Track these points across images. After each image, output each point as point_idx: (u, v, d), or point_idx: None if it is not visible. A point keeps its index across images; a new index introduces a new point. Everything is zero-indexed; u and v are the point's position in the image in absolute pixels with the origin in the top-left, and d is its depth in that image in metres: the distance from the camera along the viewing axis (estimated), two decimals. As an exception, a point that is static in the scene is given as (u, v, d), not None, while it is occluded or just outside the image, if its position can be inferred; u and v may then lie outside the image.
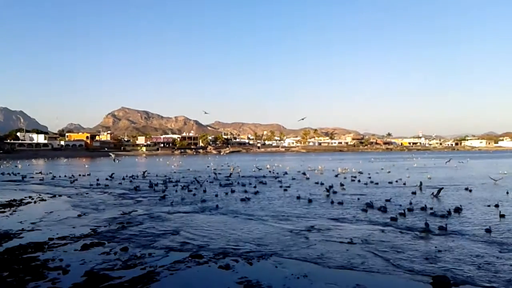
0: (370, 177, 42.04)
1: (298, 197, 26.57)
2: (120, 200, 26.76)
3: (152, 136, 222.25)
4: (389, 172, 52.30)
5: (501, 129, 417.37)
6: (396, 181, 37.91)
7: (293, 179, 42.23)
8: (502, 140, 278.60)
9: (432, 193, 27.78)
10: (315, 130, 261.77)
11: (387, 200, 24.51)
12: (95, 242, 14.52)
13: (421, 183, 27.87)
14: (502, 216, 19.37)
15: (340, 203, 23.88)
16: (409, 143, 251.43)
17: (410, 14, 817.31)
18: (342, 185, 34.02)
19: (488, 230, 15.85)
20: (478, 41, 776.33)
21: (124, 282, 10.42)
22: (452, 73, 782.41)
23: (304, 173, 48.64)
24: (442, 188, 28.54)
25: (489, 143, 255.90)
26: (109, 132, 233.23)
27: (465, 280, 10.38)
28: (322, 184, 35.75)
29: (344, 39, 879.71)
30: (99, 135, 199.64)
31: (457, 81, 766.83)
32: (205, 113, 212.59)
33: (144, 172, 50.05)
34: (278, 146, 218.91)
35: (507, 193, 28.40)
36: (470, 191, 30.21)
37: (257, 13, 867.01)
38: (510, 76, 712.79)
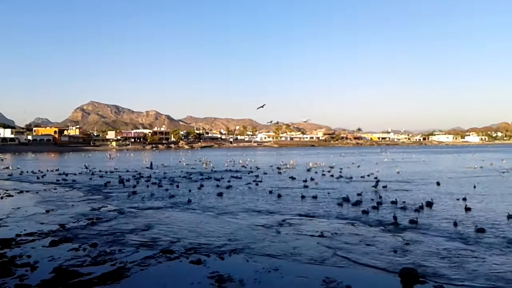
0: (341, 172, 42.60)
1: (270, 192, 26.68)
2: (89, 196, 26.32)
3: (122, 131, 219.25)
4: (358, 166, 53.15)
5: (467, 125, 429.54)
6: (368, 175, 38.56)
7: (265, 173, 42.46)
8: (468, 135, 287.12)
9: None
10: (287, 125, 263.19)
11: (358, 194, 24.81)
12: (63, 238, 14.23)
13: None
14: (468, 209, 19.90)
15: (312, 197, 24.11)
16: (379, 138, 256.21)
17: (377, 11, 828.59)
18: (313, 179, 34.47)
19: (455, 224, 16.29)
20: (445, 38, 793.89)
21: (94, 278, 10.27)
22: (420, 70, 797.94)
23: (278, 168, 49.19)
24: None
25: (455, 138, 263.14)
26: (78, 126, 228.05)
27: (432, 272, 10.65)
28: (294, 178, 36.10)
29: (314, 36, 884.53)
30: (67, 129, 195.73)
31: (425, 77, 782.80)
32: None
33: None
34: (250, 141, 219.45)
35: (474, 187, 29.23)
36: (439, 184, 31.03)
37: (229, 8, 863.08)
38: (476, 73, 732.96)
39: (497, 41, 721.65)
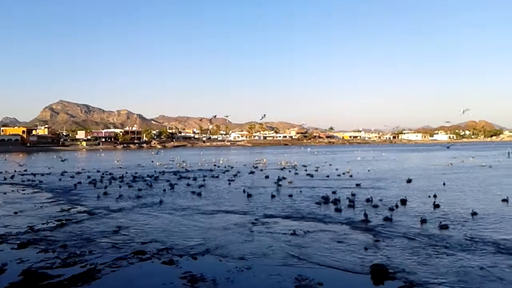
0: (316, 170, 43.11)
1: (244, 191, 26.71)
2: (58, 197, 25.79)
3: (93, 131, 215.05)
4: (330, 165, 53.62)
5: (436, 123, 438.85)
6: (343, 174, 39.13)
7: (239, 172, 42.50)
8: (437, 133, 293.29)
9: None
10: (261, 124, 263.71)
11: (333, 193, 25.04)
12: (32, 240, 13.96)
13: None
14: (436, 206, 20.35)
15: (288, 196, 24.28)
16: (350, 136, 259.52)
17: (349, 9, 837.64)
18: (284, 178, 34.72)
19: (423, 221, 16.66)
20: (414, 37, 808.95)
21: (64, 281, 10.12)
22: (389, 69, 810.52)
23: (255, 166, 49.50)
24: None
25: (424, 137, 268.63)
26: (46, 126, 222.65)
27: (402, 268, 10.89)
28: (267, 177, 36.25)
29: (284, 37, 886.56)
30: (36, 129, 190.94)
31: (394, 77, 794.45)
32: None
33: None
34: (223, 140, 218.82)
35: (444, 184, 29.96)
36: (410, 182, 31.71)
37: (198, 4, 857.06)
38: (445, 72, 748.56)
39: (465, 41, 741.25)
